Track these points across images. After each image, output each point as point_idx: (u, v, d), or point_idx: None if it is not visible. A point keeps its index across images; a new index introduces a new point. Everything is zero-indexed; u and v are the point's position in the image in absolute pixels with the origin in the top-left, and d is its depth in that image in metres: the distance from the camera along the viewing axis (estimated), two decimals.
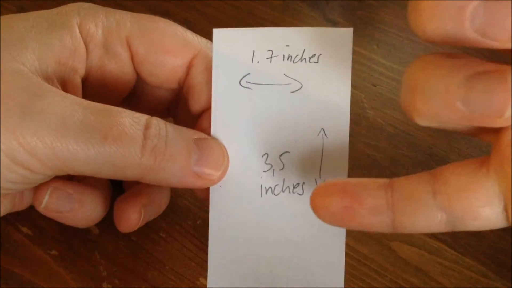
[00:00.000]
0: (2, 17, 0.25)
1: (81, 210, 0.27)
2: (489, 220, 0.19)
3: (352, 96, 0.25)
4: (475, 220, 0.19)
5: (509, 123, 0.18)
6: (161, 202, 0.29)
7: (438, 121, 0.19)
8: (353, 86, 0.25)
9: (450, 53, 0.18)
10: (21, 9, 0.43)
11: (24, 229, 0.30)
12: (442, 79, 0.18)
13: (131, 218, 0.27)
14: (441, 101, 0.18)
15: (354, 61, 0.24)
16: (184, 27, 0.28)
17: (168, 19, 0.28)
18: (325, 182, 0.21)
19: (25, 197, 0.28)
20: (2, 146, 0.22)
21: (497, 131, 0.19)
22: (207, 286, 0.26)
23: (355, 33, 0.24)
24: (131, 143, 0.23)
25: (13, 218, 0.30)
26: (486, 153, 0.20)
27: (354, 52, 0.24)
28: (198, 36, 0.28)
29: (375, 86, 0.38)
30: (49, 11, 0.26)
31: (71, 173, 0.24)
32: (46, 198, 0.26)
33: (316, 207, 0.21)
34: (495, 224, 0.19)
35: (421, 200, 0.20)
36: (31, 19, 0.25)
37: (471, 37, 0.17)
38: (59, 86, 0.25)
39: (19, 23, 0.25)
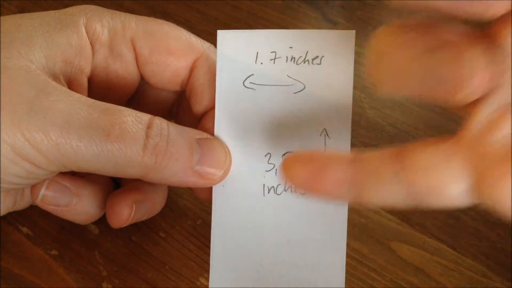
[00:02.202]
0: (10, 16, 0.26)
1: (79, 205, 0.27)
2: (452, 199, 0.18)
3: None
4: (439, 198, 0.19)
5: (462, 103, 0.17)
6: (155, 201, 0.29)
7: (400, 94, 0.19)
8: (353, 86, 0.25)
9: (412, 22, 0.18)
10: (21, 10, 0.43)
11: (24, 229, 0.30)
12: (397, 53, 0.17)
13: (122, 212, 0.27)
14: (396, 75, 0.18)
15: (354, 61, 0.25)
16: (184, 27, 0.28)
17: (168, 19, 0.28)
18: (293, 153, 0.22)
19: (25, 195, 0.28)
20: (8, 140, 0.22)
21: (475, 106, 0.18)
22: (209, 286, 0.26)
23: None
24: (133, 141, 0.23)
25: (13, 218, 0.30)
26: None
27: (354, 52, 0.24)
28: (201, 39, 0.28)
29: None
30: (56, 11, 0.26)
31: (74, 169, 0.24)
32: (42, 190, 0.26)
33: (285, 175, 0.21)
34: (459, 203, 0.19)
35: (383, 177, 0.19)
36: (38, 18, 0.25)
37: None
38: (65, 84, 0.25)
39: (27, 21, 0.25)
